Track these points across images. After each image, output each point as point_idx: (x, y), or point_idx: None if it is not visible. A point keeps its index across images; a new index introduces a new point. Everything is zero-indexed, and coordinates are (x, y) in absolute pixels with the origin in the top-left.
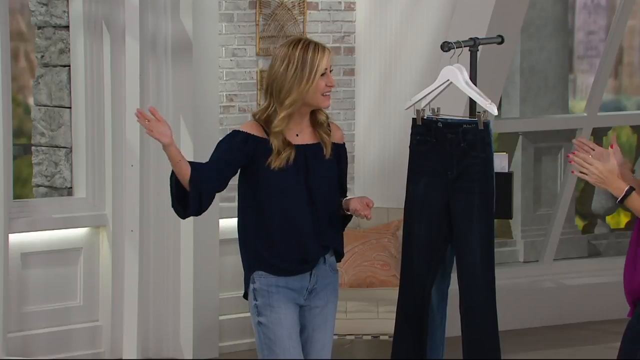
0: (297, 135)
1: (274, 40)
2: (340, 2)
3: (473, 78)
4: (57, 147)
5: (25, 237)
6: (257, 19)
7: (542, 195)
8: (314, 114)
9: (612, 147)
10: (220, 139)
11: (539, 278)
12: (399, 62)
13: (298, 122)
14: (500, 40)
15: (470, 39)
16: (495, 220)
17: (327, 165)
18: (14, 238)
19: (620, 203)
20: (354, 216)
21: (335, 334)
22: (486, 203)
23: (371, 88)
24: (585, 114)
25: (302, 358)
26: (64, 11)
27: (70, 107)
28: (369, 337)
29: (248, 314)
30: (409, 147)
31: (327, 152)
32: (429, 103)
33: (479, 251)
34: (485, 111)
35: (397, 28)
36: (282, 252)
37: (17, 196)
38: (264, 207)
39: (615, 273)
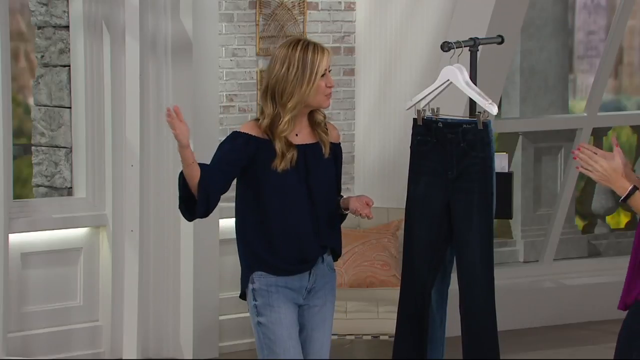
0: (296, 135)
1: (274, 40)
2: (340, 2)
3: (473, 78)
4: (57, 147)
5: (25, 237)
6: (257, 19)
7: (542, 195)
8: (311, 113)
9: (616, 146)
10: (221, 140)
11: (539, 278)
12: (399, 62)
13: (298, 123)
14: (500, 40)
15: (470, 39)
16: (495, 220)
17: (326, 164)
18: (14, 238)
19: (624, 202)
20: (354, 216)
21: (335, 334)
22: (486, 203)
23: (371, 88)
24: (585, 114)
25: (302, 358)
26: (64, 11)
27: (70, 107)
28: (369, 337)
29: (248, 314)
30: (410, 147)
31: (326, 151)
32: (428, 103)
33: (478, 251)
34: (484, 111)
35: (397, 28)
36: (281, 252)
37: (17, 196)
38: (264, 207)
39: (615, 273)
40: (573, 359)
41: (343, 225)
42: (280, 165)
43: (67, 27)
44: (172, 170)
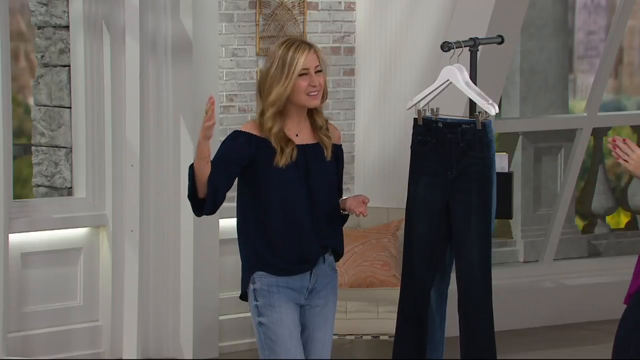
0: (296, 135)
1: (274, 40)
2: (340, 2)
3: (473, 78)
4: (57, 147)
5: (25, 237)
6: (257, 19)
7: (542, 195)
8: (312, 116)
9: (625, 140)
10: (222, 139)
11: (539, 278)
12: (399, 62)
13: (295, 123)
14: (500, 40)
15: (470, 39)
16: (495, 220)
17: (327, 166)
18: (14, 238)
19: None
20: (352, 216)
21: (335, 334)
22: (484, 203)
23: (371, 88)
24: (585, 114)
25: (304, 358)
26: (64, 11)
27: (70, 107)
28: (369, 337)
29: (248, 314)
30: (410, 147)
31: (328, 154)
32: (428, 103)
33: (476, 251)
34: (484, 111)
35: (397, 28)
36: (282, 252)
37: (17, 196)
38: (264, 207)
39: (615, 273)
40: (573, 359)
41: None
42: (281, 161)
43: (67, 27)
44: (172, 170)
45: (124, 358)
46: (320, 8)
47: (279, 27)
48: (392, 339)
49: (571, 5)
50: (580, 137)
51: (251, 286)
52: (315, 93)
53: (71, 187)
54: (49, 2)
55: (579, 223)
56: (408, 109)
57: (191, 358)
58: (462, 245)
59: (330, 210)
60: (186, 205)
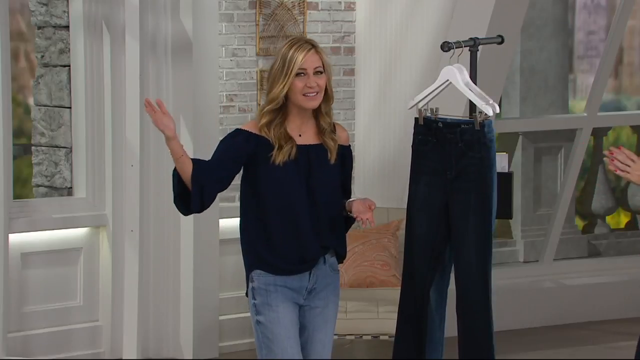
0: (299, 135)
1: (274, 40)
2: (340, 2)
3: (473, 78)
4: (57, 147)
5: (25, 237)
6: (257, 19)
7: (542, 195)
8: (317, 118)
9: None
10: (222, 138)
11: (539, 278)
12: (399, 62)
13: (298, 123)
14: (500, 40)
15: (470, 39)
16: (496, 220)
17: (331, 168)
18: (14, 238)
19: None
20: (354, 221)
21: (335, 334)
22: (482, 203)
23: (371, 88)
24: (585, 114)
25: (301, 357)
26: (64, 11)
27: (70, 107)
28: (369, 337)
29: (248, 314)
30: (411, 146)
31: (332, 157)
32: (427, 103)
33: (474, 251)
34: (482, 111)
35: (397, 28)
36: (281, 251)
37: (17, 196)
38: (264, 205)
39: (615, 273)
40: (573, 359)
41: None
42: (278, 157)
43: (67, 27)
44: (171, 170)
45: (124, 358)
46: (320, 8)
47: (279, 27)
48: (392, 339)
49: (571, 5)
50: (580, 137)
51: (250, 285)
52: (313, 94)
53: (71, 187)
54: (49, 2)
55: (579, 223)
56: (409, 109)
57: (191, 358)
58: (461, 245)
59: (332, 212)
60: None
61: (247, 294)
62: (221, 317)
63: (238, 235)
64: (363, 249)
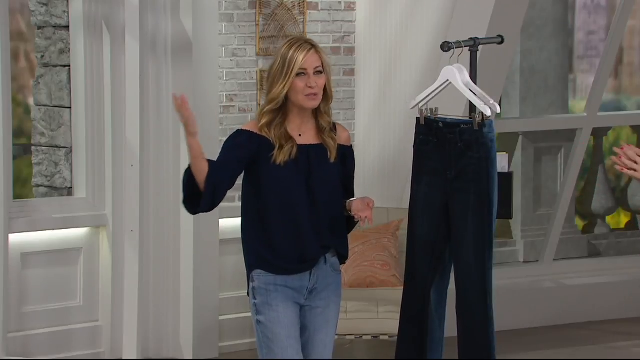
0: (299, 135)
1: (274, 40)
2: (340, 2)
3: (473, 78)
4: (57, 147)
5: (25, 237)
6: (257, 19)
7: (542, 195)
8: (317, 117)
9: None
10: (225, 139)
11: (539, 278)
12: (399, 62)
13: (298, 123)
14: (500, 40)
15: (470, 39)
16: (496, 220)
17: (331, 167)
18: (14, 238)
19: None
20: (357, 224)
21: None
22: (480, 203)
23: (371, 88)
24: (585, 114)
25: (301, 357)
26: (64, 11)
27: (70, 107)
28: (369, 337)
29: (248, 314)
30: (413, 147)
31: (332, 156)
32: (426, 103)
33: (473, 251)
34: (480, 112)
35: (397, 28)
36: (281, 251)
37: (17, 196)
38: (264, 205)
39: (615, 273)
40: (573, 359)
41: None
42: (279, 157)
43: (67, 27)
44: (172, 170)
45: (124, 358)
46: (320, 8)
47: (279, 27)
48: (392, 339)
49: (571, 5)
50: (580, 137)
51: (250, 284)
52: (313, 94)
53: (71, 187)
54: (49, 2)
55: (579, 223)
56: (411, 109)
57: (191, 358)
58: (460, 245)
59: (332, 211)
60: None
61: (248, 294)
62: (221, 317)
63: (238, 235)
64: (363, 249)
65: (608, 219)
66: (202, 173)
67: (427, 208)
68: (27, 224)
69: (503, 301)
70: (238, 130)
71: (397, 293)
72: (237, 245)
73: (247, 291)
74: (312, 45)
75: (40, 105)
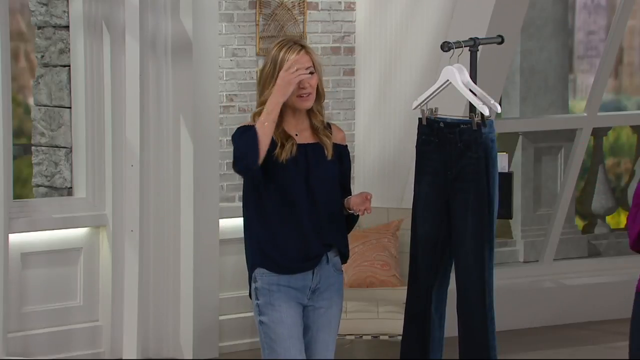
0: (296, 135)
1: (273, 40)
2: (340, 2)
3: (473, 78)
4: (57, 147)
5: (25, 237)
6: (257, 19)
7: (542, 195)
8: (310, 117)
9: None
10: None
11: (539, 278)
12: (399, 62)
13: (294, 124)
14: (500, 40)
15: (470, 39)
16: (496, 220)
17: (329, 165)
18: (14, 238)
19: None
20: (358, 219)
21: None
22: (480, 203)
23: (371, 88)
24: (585, 114)
25: (304, 358)
26: (64, 11)
27: (70, 107)
28: (369, 337)
29: (248, 314)
30: (415, 146)
31: (329, 153)
32: (426, 103)
33: (472, 251)
34: (479, 112)
35: (397, 28)
36: (285, 249)
37: (17, 196)
38: (267, 203)
39: (615, 273)
40: (573, 359)
41: None
42: (282, 155)
43: (67, 27)
44: (172, 170)
45: (124, 358)
46: (320, 8)
47: (279, 27)
48: (392, 339)
49: (571, 5)
50: (580, 137)
51: (253, 285)
52: (306, 95)
53: (71, 187)
54: (49, 2)
55: (579, 223)
56: (414, 109)
57: (191, 358)
58: (460, 245)
59: (332, 209)
60: (186, 205)
61: (250, 295)
62: (221, 317)
63: (238, 235)
64: (363, 249)
65: (608, 219)
66: (269, 137)
67: (429, 208)
68: (27, 224)
69: (503, 301)
70: (245, 126)
71: (397, 293)
72: (237, 245)
73: (248, 292)
74: (302, 46)
75: (40, 105)
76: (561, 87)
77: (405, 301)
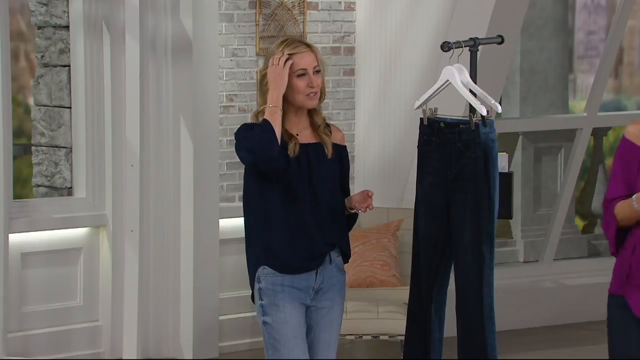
0: (297, 134)
1: (273, 40)
2: (340, 2)
3: (473, 78)
4: (57, 147)
5: (25, 237)
6: (257, 19)
7: (542, 195)
8: (311, 116)
9: None
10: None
11: (539, 278)
12: (399, 62)
13: (295, 123)
14: (500, 40)
15: (470, 39)
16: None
17: (330, 164)
18: (14, 238)
19: None
20: (357, 217)
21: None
22: (478, 203)
23: (371, 88)
24: (585, 114)
25: (307, 358)
26: (64, 11)
27: (70, 107)
28: (369, 337)
29: (248, 314)
30: (417, 147)
31: (329, 151)
32: (426, 103)
33: (471, 251)
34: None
35: (397, 28)
36: (290, 249)
37: (17, 196)
38: (270, 203)
39: None
40: (573, 359)
41: None
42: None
43: (67, 27)
44: (172, 170)
45: (124, 358)
46: (320, 8)
47: (279, 27)
48: (392, 339)
49: (571, 5)
50: (580, 137)
51: (257, 285)
52: (313, 94)
53: (71, 187)
54: (49, 2)
55: (579, 223)
56: (416, 109)
57: (191, 358)
58: (459, 245)
59: (334, 209)
60: (186, 205)
61: (252, 297)
62: (221, 317)
63: (238, 235)
64: (363, 249)
65: None
66: (280, 126)
67: (430, 208)
68: (27, 224)
69: (503, 301)
70: (248, 124)
71: (397, 293)
72: (237, 245)
73: (251, 293)
74: (308, 45)
75: (40, 105)
76: (561, 87)
77: (405, 301)
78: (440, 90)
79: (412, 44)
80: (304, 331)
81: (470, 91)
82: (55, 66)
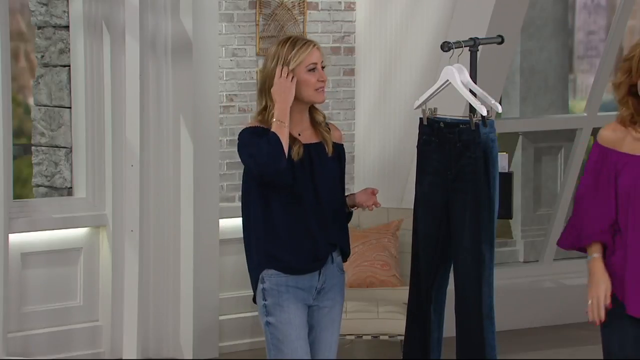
0: (299, 134)
1: (274, 40)
2: (340, 2)
3: (473, 78)
4: (57, 147)
5: (25, 237)
6: (257, 19)
7: (542, 195)
8: (312, 113)
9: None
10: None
11: (539, 278)
12: (399, 62)
13: (298, 122)
14: (500, 40)
15: (470, 39)
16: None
17: (331, 163)
18: (14, 238)
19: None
20: (352, 215)
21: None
22: (478, 203)
23: (371, 88)
24: (585, 114)
25: (310, 358)
26: (64, 11)
27: (70, 107)
28: (369, 337)
29: (248, 314)
30: (417, 147)
31: (329, 149)
32: (425, 103)
33: (469, 251)
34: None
35: (397, 28)
36: (292, 250)
37: (17, 196)
38: (272, 204)
39: None
40: (573, 359)
41: None
42: (294, 156)
43: (67, 27)
44: (172, 170)
45: (124, 358)
46: (320, 8)
47: (279, 27)
48: (392, 339)
49: (571, 5)
50: (580, 137)
51: (260, 285)
52: (323, 88)
53: (71, 187)
54: (49, 2)
55: None
56: (415, 109)
57: (191, 358)
58: (458, 245)
59: (335, 208)
60: (186, 205)
61: (254, 298)
62: (221, 317)
63: (238, 235)
64: (363, 249)
65: None
66: (287, 139)
67: (429, 208)
68: (27, 224)
69: (503, 301)
70: (251, 127)
71: (397, 293)
72: (237, 245)
73: (253, 295)
74: (313, 41)
75: (40, 105)
76: (561, 87)
77: (405, 301)
78: (440, 90)
79: (412, 44)
80: (307, 332)
81: (470, 91)
82: (55, 66)
